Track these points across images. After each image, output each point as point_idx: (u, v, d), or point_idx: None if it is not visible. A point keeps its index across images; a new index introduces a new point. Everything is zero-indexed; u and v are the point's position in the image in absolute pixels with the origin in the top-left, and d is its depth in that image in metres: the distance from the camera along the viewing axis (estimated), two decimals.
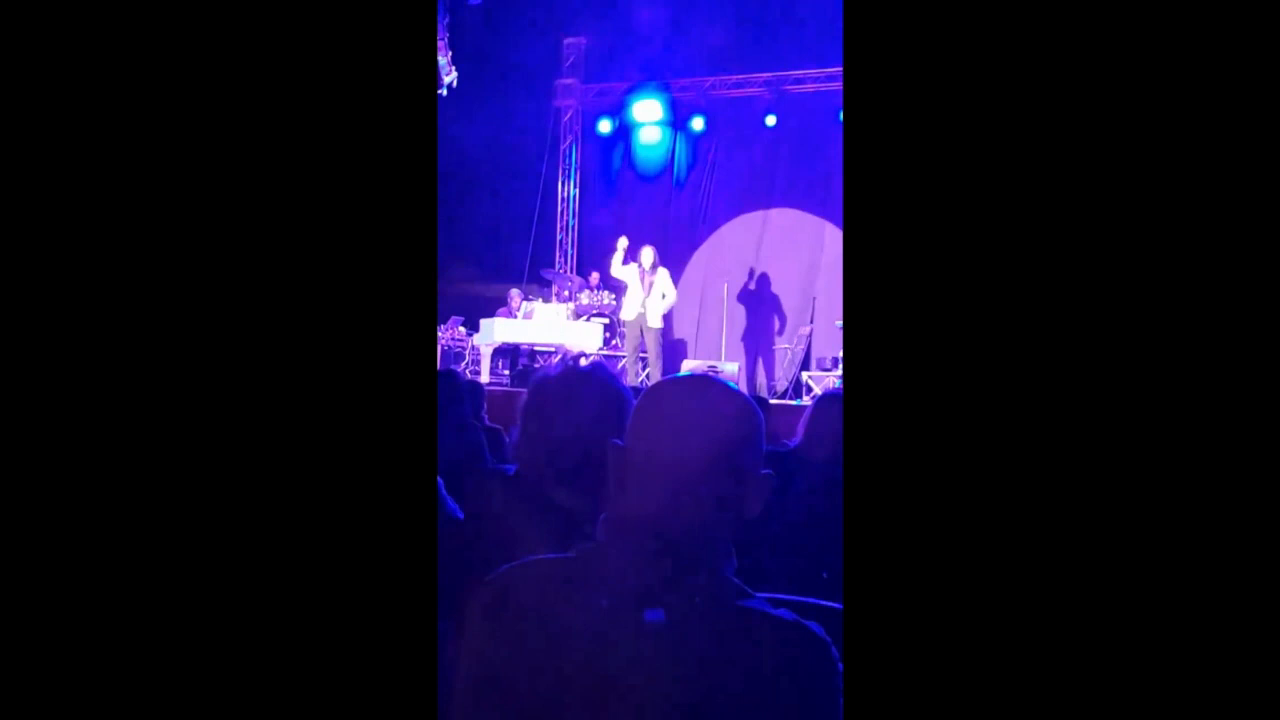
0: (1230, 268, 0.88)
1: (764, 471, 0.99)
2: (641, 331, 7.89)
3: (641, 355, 8.04)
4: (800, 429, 2.45)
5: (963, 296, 0.94)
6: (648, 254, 7.84)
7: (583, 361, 1.60)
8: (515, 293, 8.67)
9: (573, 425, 1.49)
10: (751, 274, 9.13)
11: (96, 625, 0.89)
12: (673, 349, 8.46)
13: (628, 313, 7.97)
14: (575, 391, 1.52)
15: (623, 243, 7.99)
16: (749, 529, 0.99)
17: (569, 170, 10.31)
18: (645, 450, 0.97)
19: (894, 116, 0.96)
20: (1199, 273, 0.88)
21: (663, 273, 7.88)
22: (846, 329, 1.00)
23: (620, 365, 8.34)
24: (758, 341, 9.03)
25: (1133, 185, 0.90)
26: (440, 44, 7.72)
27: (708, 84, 9.38)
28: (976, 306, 0.93)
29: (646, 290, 7.78)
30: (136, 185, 0.96)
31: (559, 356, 7.23)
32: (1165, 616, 0.84)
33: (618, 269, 8.02)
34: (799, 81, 8.96)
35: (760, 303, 9.01)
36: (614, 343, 8.75)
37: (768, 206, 9.12)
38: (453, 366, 7.61)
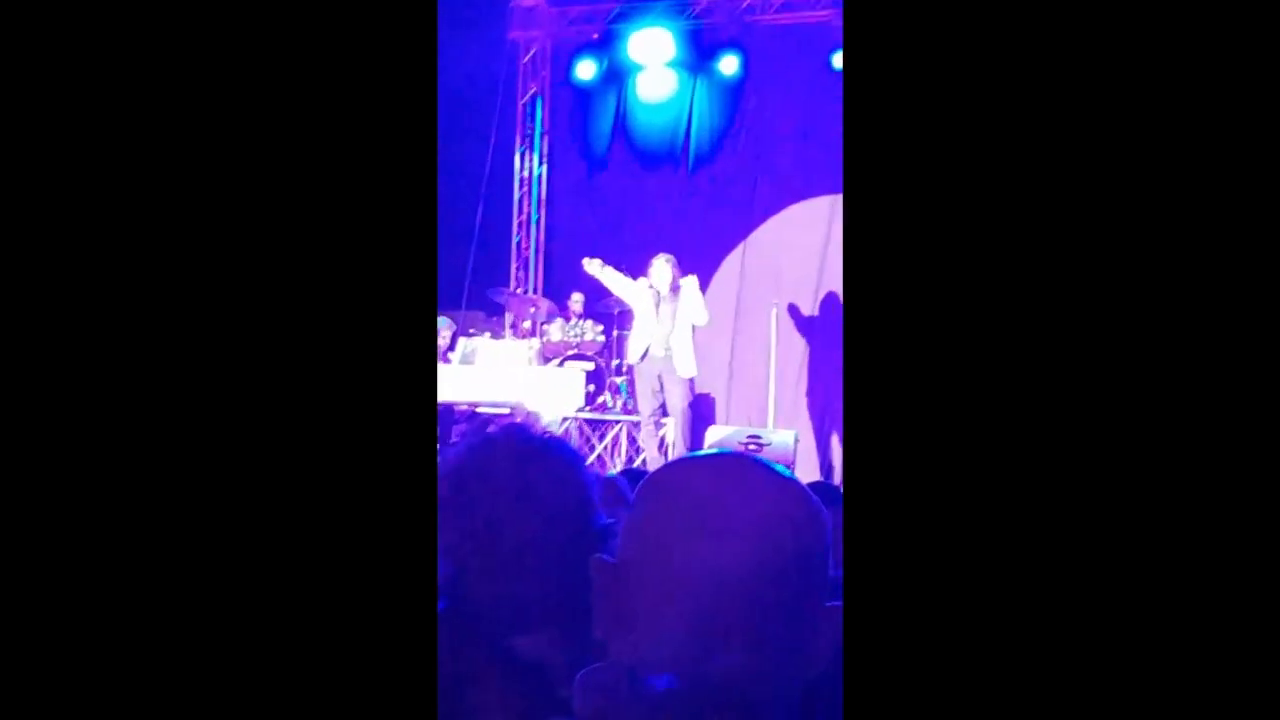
0: (1230, 267, 1.17)
1: (832, 603, 1.00)
2: (660, 382, 7.87)
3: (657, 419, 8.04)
4: None
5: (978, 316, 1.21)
6: (663, 268, 7.80)
7: (492, 428, 1.59)
8: (445, 323, 8.71)
9: (521, 532, 1.48)
10: (815, 292, 9.18)
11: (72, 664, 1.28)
12: (692, 409, 8.47)
13: (634, 353, 7.96)
14: (509, 476, 1.50)
15: (595, 266, 7.96)
16: (815, 687, 0.99)
17: (531, 137, 10.44)
18: (649, 570, 0.98)
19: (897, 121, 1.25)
20: (1213, 275, 1.18)
21: (690, 286, 7.84)
22: (847, 355, 1.27)
23: (610, 449, 8.34)
24: (827, 397, 9.04)
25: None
26: None
27: (744, 4, 9.54)
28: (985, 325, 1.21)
29: (669, 321, 7.77)
30: (116, 184, 1.34)
31: (500, 423, 7.23)
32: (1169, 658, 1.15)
33: (619, 286, 8.01)
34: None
35: (830, 336, 9.04)
36: (600, 400, 8.78)
37: (838, 189, 9.19)
38: None
